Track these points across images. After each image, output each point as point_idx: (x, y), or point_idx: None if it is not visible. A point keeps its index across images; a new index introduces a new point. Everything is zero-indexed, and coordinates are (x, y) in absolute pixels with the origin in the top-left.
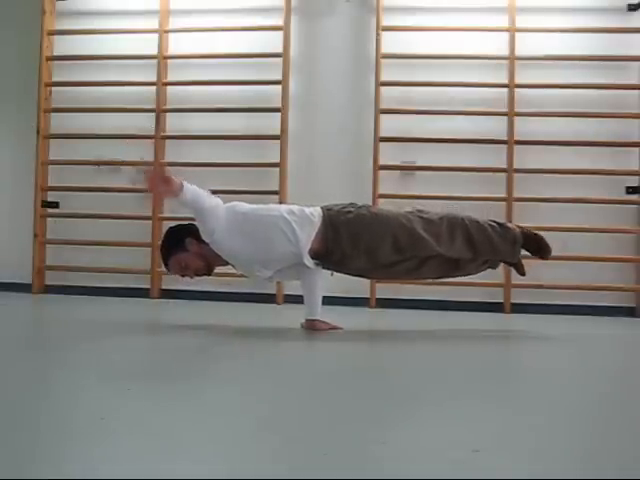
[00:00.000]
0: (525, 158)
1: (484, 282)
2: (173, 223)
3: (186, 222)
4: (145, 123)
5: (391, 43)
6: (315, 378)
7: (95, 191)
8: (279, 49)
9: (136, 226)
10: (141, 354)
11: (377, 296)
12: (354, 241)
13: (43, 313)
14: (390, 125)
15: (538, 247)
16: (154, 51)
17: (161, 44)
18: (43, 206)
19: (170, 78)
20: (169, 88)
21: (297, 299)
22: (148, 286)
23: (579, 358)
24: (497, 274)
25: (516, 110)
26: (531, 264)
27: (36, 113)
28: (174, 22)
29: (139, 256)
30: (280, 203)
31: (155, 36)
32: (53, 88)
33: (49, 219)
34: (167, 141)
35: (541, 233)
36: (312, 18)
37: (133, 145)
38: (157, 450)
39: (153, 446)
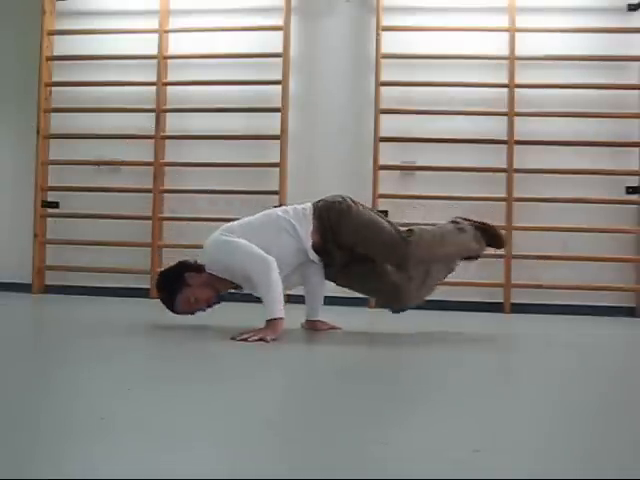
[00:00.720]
0: (525, 158)
1: (484, 282)
2: (173, 223)
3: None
4: (145, 123)
5: (391, 43)
6: (315, 378)
7: (95, 191)
8: (279, 49)
9: (136, 226)
10: (141, 354)
11: None
12: (345, 224)
13: (43, 313)
14: (390, 125)
15: (490, 237)
16: (154, 51)
17: (161, 44)
18: (43, 206)
19: (170, 78)
20: (169, 88)
21: (297, 299)
22: (148, 286)
23: (579, 358)
24: (497, 274)
25: (516, 110)
26: (531, 264)
27: (36, 113)
28: (174, 22)
29: (139, 256)
30: (280, 204)
31: (155, 36)
32: (53, 88)
33: (49, 219)
34: (167, 141)
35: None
36: (312, 18)
37: (133, 145)
38: (157, 450)
39: (153, 446)
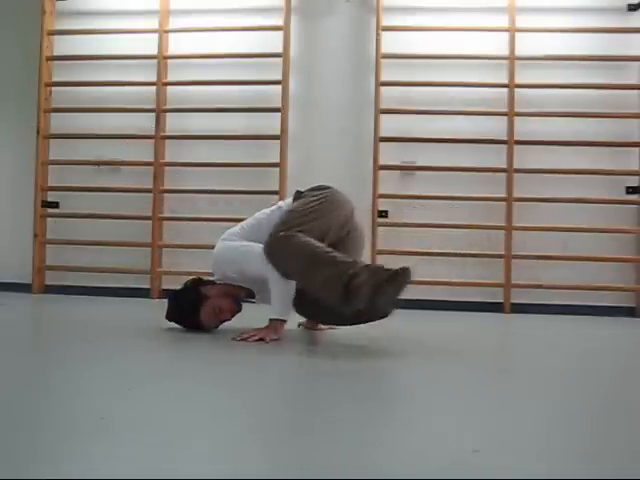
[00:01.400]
0: (525, 158)
1: (484, 282)
2: (173, 223)
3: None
4: (145, 123)
5: (391, 43)
6: (313, 379)
7: (95, 191)
8: (279, 49)
9: (136, 226)
10: (141, 354)
11: None
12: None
13: (43, 313)
14: (390, 125)
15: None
16: (154, 51)
17: (161, 44)
18: (43, 206)
19: (170, 78)
20: (169, 88)
21: None
22: (148, 286)
23: (579, 358)
24: (497, 274)
25: (516, 110)
26: (531, 264)
27: (36, 113)
28: (174, 22)
29: (139, 256)
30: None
31: (155, 36)
32: (53, 88)
33: (49, 219)
34: (167, 141)
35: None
36: (312, 18)
37: (133, 145)
38: (157, 450)
39: (153, 446)
